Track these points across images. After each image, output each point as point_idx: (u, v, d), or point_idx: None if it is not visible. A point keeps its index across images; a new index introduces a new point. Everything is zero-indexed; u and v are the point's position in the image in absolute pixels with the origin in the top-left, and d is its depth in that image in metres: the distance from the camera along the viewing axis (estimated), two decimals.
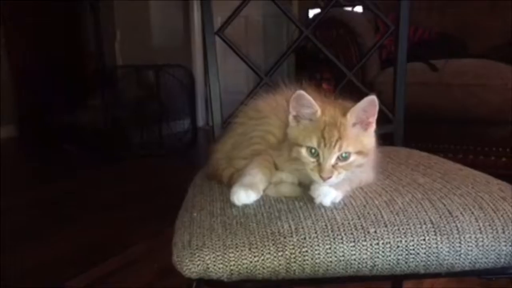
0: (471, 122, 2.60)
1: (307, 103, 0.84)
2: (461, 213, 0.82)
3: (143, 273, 1.91)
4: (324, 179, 0.82)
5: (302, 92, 0.83)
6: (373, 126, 0.87)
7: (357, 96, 0.93)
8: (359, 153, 0.84)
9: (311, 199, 0.86)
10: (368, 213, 0.82)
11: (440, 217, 0.81)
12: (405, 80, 1.42)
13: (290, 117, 0.88)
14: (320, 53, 3.47)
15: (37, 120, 4.34)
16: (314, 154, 0.84)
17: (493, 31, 3.24)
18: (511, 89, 2.40)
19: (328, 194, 0.84)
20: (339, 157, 0.83)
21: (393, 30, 1.41)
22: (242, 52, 1.37)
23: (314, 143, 0.83)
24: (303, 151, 0.84)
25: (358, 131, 0.85)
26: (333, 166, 0.83)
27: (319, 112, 0.84)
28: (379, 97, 0.84)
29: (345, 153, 0.83)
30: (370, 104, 0.84)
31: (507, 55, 2.65)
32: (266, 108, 1.02)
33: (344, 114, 0.84)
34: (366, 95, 1.27)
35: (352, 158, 0.84)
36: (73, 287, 1.88)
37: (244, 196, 0.85)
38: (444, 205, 0.84)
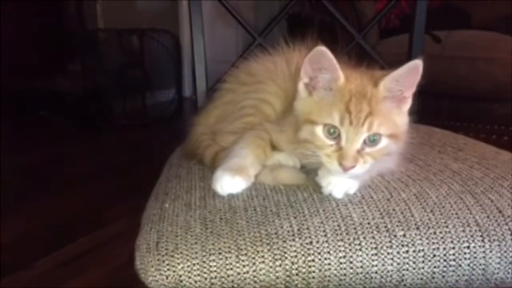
0: (475, 98, 2.46)
1: (328, 64, 0.63)
2: None
3: (117, 253, 1.74)
4: (345, 169, 0.61)
5: (323, 48, 0.61)
6: (408, 103, 0.66)
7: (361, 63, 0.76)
8: (391, 136, 0.64)
9: (318, 189, 0.66)
10: (393, 209, 0.63)
11: (488, 217, 0.62)
12: (422, 49, 1.22)
13: (301, 85, 0.66)
14: (315, 19, 3.26)
15: (12, 85, 4.09)
16: (334, 134, 0.63)
17: (498, 2, 3.07)
18: None
19: (340, 183, 0.64)
20: (366, 140, 0.63)
21: None
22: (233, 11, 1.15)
23: (335, 119, 0.62)
24: (319, 131, 0.63)
25: (390, 107, 0.65)
26: (358, 152, 0.62)
27: (342, 79, 0.63)
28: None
29: (376, 134, 0.62)
30: (412, 72, 0.62)
31: None
32: (262, 72, 0.82)
33: (376, 83, 0.63)
34: (372, 62, 1.06)
35: (383, 142, 0.64)
36: (41, 267, 1.70)
37: (230, 183, 0.66)
38: (492, 201, 0.65)
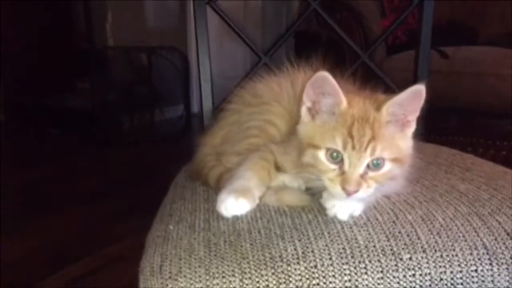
0: (481, 114, 2.45)
1: (331, 89, 0.62)
2: None
3: (123, 274, 1.72)
4: (349, 194, 0.61)
5: (325, 74, 0.61)
6: (412, 127, 0.66)
7: (366, 82, 0.76)
8: (395, 160, 0.63)
9: (323, 211, 0.66)
10: (399, 232, 0.62)
11: (496, 239, 0.61)
12: (428, 65, 1.22)
13: (303, 110, 0.66)
14: (322, 36, 3.27)
15: (24, 103, 4.13)
16: (337, 159, 0.62)
17: (504, 18, 3.07)
18: None
19: (345, 205, 0.64)
20: (369, 165, 0.62)
21: (416, 4, 1.19)
22: (238, 29, 1.15)
23: (338, 144, 0.62)
24: (321, 155, 0.63)
25: (394, 131, 0.64)
26: (362, 176, 0.62)
27: (344, 103, 0.63)
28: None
29: (379, 159, 0.62)
30: (415, 96, 0.62)
31: None
32: (267, 93, 0.81)
33: (378, 107, 0.63)
34: (377, 80, 1.05)
35: (387, 166, 0.63)
36: None
37: (234, 205, 0.65)
38: (499, 223, 0.64)
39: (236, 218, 0.65)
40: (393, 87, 1.18)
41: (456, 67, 2.45)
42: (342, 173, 0.62)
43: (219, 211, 0.65)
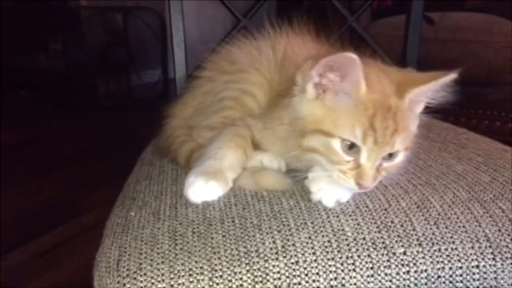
0: (468, 83, 2.40)
1: (354, 75, 0.52)
2: None
3: (95, 243, 1.65)
4: (364, 188, 0.54)
5: (354, 56, 0.50)
6: (421, 106, 0.58)
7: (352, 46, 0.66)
8: (406, 149, 0.57)
9: (306, 196, 0.58)
10: (392, 222, 0.54)
11: (500, 230, 0.54)
12: (419, 32, 1.14)
13: (310, 85, 0.56)
14: (304, 1, 3.14)
15: None
16: (353, 150, 0.54)
17: None
18: None
19: (333, 190, 0.56)
20: (384, 156, 0.55)
21: None
22: None
23: (357, 136, 0.53)
24: (335, 144, 0.54)
25: (410, 116, 0.56)
26: (377, 169, 0.55)
27: (364, 87, 0.54)
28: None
29: (396, 151, 0.55)
30: (445, 86, 0.55)
31: (509, 9, 2.41)
32: (244, 59, 0.73)
33: (401, 94, 0.54)
34: (363, 45, 0.98)
35: (400, 157, 0.57)
36: (14, 259, 1.61)
37: (204, 189, 0.57)
38: (503, 211, 0.57)
39: (206, 205, 0.57)
40: (380, 53, 1.10)
41: (442, 34, 2.38)
42: (358, 166, 0.54)
43: (186, 196, 0.57)
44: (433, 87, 0.55)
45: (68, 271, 1.55)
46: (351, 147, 0.54)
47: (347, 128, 0.53)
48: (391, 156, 0.55)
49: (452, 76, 0.54)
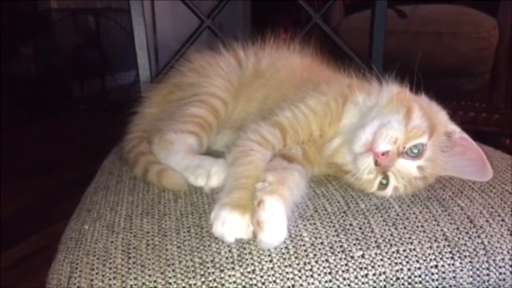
0: (441, 74, 2.42)
1: None
2: (486, 220, 0.55)
3: None
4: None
5: None
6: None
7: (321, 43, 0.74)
8: None
9: None
10: (350, 224, 0.54)
11: (458, 228, 0.54)
12: (385, 27, 1.14)
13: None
14: None
15: None
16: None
17: None
18: (483, 38, 2.20)
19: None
20: None
21: None
22: None
23: None
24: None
25: None
26: None
27: None
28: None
29: None
30: None
31: (478, 0, 2.44)
32: (209, 68, 0.76)
33: None
34: (332, 42, 0.99)
35: None
36: None
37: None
38: (461, 208, 0.57)
39: (162, 214, 0.56)
40: (347, 50, 1.10)
41: (413, 27, 2.39)
42: None
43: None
44: None
45: (44, 279, 1.52)
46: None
47: None
48: None
49: None
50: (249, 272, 0.49)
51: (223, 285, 0.48)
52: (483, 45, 2.26)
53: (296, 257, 0.50)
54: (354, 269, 0.50)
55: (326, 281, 0.49)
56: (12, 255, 1.66)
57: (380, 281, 0.50)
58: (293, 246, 0.51)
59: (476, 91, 2.41)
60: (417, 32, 2.39)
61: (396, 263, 0.51)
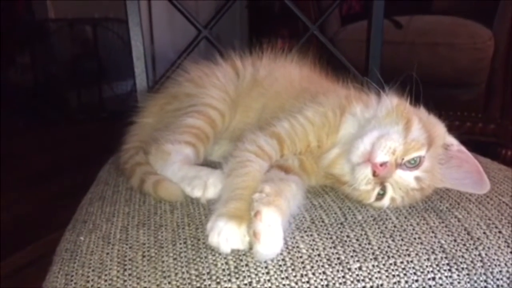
0: (437, 84, 2.43)
1: None
2: (484, 232, 0.55)
3: None
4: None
5: None
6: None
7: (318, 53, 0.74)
8: None
9: None
10: (348, 236, 0.54)
11: (455, 240, 0.54)
12: (382, 36, 1.15)
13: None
14: (275, 6, 3.15)
15: None
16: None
17: None
18: (479, 48, 2.21)
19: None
20: None
21: None
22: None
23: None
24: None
25: None
26: None
27: None
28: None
29: None
30: None
31: (474, 11, 2.45)
32: (205, 79, 0.77)
33: None
34: (329, 52, 0.99)
35: None
36: None
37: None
38: (458, 220, 0.56)
39: (159, 226, 0.56)
40: (344, 61, 1.10)
41: (410, 37, 2.40)
42: None
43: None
44: None
45: None
46: None
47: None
48: None
49: None
50: (245, 285, 0.48)
51: None
52: (479, 55, 2.27)
53: (293, 269, 0.50)
54: (352, 281, 0.50)
55: None
56: (9, 264, 1.65)
57: None
58: (290, 258, 0.51)
59: (472, 101, 2.42)
60: (413, 42, 2.40)
61: (393, 275, 0.50)
